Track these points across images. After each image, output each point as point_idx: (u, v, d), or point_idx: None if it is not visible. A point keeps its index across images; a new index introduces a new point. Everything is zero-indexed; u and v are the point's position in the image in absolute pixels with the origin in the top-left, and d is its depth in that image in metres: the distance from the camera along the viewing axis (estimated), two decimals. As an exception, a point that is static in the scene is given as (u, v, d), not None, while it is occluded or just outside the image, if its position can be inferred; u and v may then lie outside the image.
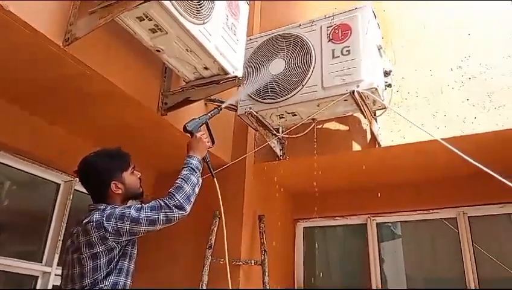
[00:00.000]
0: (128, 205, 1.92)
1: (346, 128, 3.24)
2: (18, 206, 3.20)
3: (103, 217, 1.77)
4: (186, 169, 1.99)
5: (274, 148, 3.32)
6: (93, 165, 1.99)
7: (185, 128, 2.19)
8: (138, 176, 2.07)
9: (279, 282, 3.54)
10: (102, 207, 1.87)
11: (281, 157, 3.37)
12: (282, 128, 3.30)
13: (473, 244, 3.35)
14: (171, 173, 3.38)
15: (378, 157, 3.24)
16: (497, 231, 3.44)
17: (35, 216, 3.13)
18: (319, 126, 3.22)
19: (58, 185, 3.06)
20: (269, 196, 3.74)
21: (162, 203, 1.82)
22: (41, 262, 2.85)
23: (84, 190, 2.87)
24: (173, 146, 3.05)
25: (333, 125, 3.28)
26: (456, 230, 3.48)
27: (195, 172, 2.00)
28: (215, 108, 2.39)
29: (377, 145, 3.04)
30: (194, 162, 2.04)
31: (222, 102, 3.13)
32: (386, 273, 3.70)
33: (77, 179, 2.95)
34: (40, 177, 2.94)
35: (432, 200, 3.52)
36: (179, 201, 1.84)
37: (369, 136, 3.11)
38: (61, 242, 2.89)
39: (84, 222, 1.82)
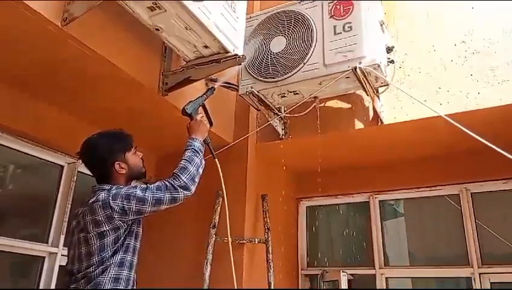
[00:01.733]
0: (133, 185, 1.93)
1: (349, 106, 3.22)
2: (22, 189, 3.23)
3: (109, 196, 1.79)
4: (189, 151, 2.02)
5: (276, 128, 3.31)
6: (96, 146, 2.00)
7: (184, 111, 2.20)
8: (140, 156, 2.09)
9: (283, 259, 3.58)
10: (107, 187, 1.89)
11: (283, 137, 3.36)
12: (284, 107, 3.28)
13: (475, 221, 3.36)
14: (173, 154, 3.38)
15: (380, 135, 3.22)
16: (500, 207, 3.44)
17: (39, 199, 3.17)
18: (321, 104, 3.20)
19: (62, 167, 3.08)
20: (272, 175, 3.75)
21: (168, 184, 1.84)
22: (48, 243, 2.89)
23: (87, 172, 2.92)
24: (174, 127, 3.03)
25: (335, 104, 3.26)
26: (458, 207, 3.49)
27: (198, 153, 2.03)
28: (209, 88, 2.40)
29: (379, 123, 3.02)
30: (197, 144, 2.07)
31: (223, 82, 3.11)
32: (389, 251, 3.73)
33: (80, 161, 3.00)
34: (43, 159, 2.95)
35: (435, 177, 3.52)
36: (184, 181, 1.86)
37: (371, 114, 3.09)
38: (66, 223, 2.92)
39: (89, 201, 1.84)
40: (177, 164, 1.94)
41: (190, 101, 2.24)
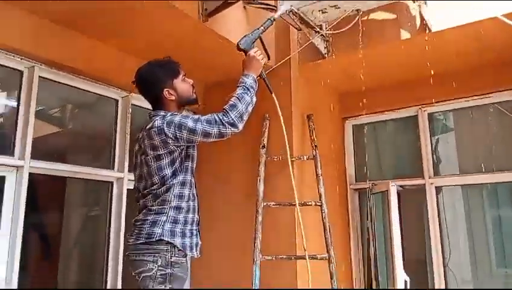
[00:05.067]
0: (186, 114, 2.03)
1: (394, 16, 3.09)
2: (83, 125, 3.48)
3: (164, 123, 1.94)
4: (240, 88, 2.05)
5: (318, 47, 3.27)
6: (145, 75, 2.12)
7: (238, 46, 2.16)
8: (190, 83, 2.18)
9: (332, 175, 3.71)
10: (162, 114, 2.03)
11: (326, 55, 3.32)
12: (326, 24, 3.20)
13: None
14: (220, 83, 3.50)
15: (429, 44, 3.07)
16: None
17: (100, 133, 3.41)
18: (364, 18, 3.09)
19: (117, 101, 3.25)
20: (316, 96, 3.77)
21: (217, 119, 1.93)
22: (114, 169, 3.15)
23: (141, 104, 3.09)
24: (217, 54, 3.11)
25: (379, 15, 3.14)
26: (510, 114, 3.38)
27: (250, 91, 2.04)
28: (267, 20, 2.28)
29: (427, 31, 2.89)
30: (249, 80, 2.07)
31: (261, 3, 3.06)
32: (439, 165, 3.72)
33: (133, 94, 3.17)
34: (98, 94, 3.12)
35: (486, 85, 3.40)
36: (233, 119, 1.94)
37: (418, 22, 2.96)
38: (128, 151, 3.15)
39: (147, 127, 2.01)
40: (228, 100, 2.00)
41: (245, 35, 2.18)
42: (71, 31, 2.75)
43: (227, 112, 1.95)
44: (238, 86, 2.06)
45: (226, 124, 1.93)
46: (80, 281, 3.61)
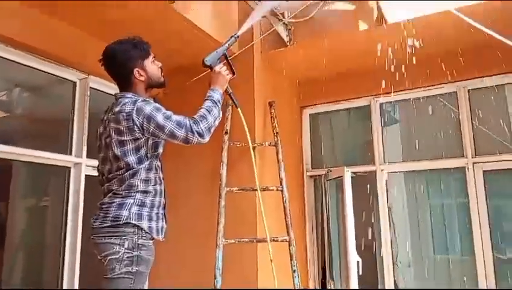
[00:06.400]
0: (158, 106, 1.98)
1: (353, 7, 3.20)
2: (38, 107, 3.31)
3: (133, 109, 1.89)
4: (209, 101, 2.07)
5: (281, 34, 3.33)
6: (115, 54, 2.04)
7: (203, 63, 2.18)
8: (159, 65, 2.15)
9: (290, 161, 3.81)
10: (131, 97, 1.97)
11: (288, 43, 3.39)
12: (288, 13, 3.27)
13: (471, 118, 3.55)
14: (180, 68, 3.44)
15: (385, 35, 3.23)
16: (494, 104, 3.56)
17: (56, 116, 3.27)
18: (326, 8, 3.19)
19: (74, 83, 3.13)
20: (277, 84, 3.84)
21: (188, 124, 1.93)
22: (71, 154, 3.04)
23: (98, 87, 2.98)
24: (182, 40, 3.08)
25: (340, 6, 3.24)
26: (453, 108, 3.64)
27: (217, 105, 2.08)
28: (231, 37, 2.31)
29: (384, 23, 3.04)
30: (216, 95, 2.11)
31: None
32: (388, 154, 3.92)
33: (91, 76, 3.06)
34: (55, 75, 2.99)
35: (435, 77, 3.62)
36: (202, 130, 1.94)
37: (375, 14, 3.09)
38: (86, 136, 3.06)
39: (116, 110, 1.94)
40: (197, 111, 2.00)
41: (210, 52, 2.20)
42: (30, 8, 2.61)
43: (198, 122, 1.95)
44: (206, 99, 2.08)
45: (195, 132, 1.93)
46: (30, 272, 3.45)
